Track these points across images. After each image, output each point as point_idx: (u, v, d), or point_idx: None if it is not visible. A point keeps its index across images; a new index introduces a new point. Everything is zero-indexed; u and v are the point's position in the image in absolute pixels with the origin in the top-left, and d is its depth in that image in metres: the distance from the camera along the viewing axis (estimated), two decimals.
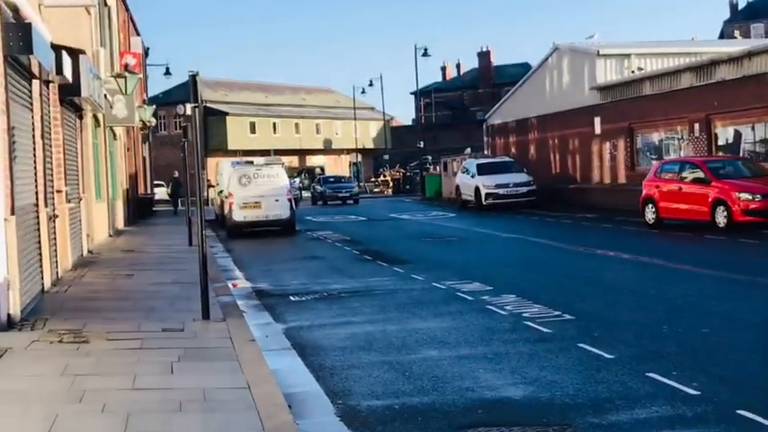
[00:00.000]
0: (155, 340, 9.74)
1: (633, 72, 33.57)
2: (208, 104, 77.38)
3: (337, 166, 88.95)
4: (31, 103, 12.75)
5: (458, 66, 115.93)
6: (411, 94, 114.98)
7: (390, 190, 66.14)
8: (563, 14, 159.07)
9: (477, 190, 35.22)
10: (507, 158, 38.10)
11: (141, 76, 26.40)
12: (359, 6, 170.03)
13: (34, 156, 12.89)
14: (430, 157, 67.35)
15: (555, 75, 38.38)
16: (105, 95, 23.51)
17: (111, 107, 25.01)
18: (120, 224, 30.33)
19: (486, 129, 47.21)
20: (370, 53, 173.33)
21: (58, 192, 15.40)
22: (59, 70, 13.61)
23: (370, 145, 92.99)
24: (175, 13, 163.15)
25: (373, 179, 75.26)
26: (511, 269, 16.00)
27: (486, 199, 34.61)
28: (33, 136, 12.87)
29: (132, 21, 40.66)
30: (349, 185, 51.57)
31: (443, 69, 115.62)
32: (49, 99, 14.54)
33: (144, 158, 45.37)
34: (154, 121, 41.12)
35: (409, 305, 12.06)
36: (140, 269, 16.96)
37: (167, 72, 51.78)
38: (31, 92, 12.76)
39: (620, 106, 32.44)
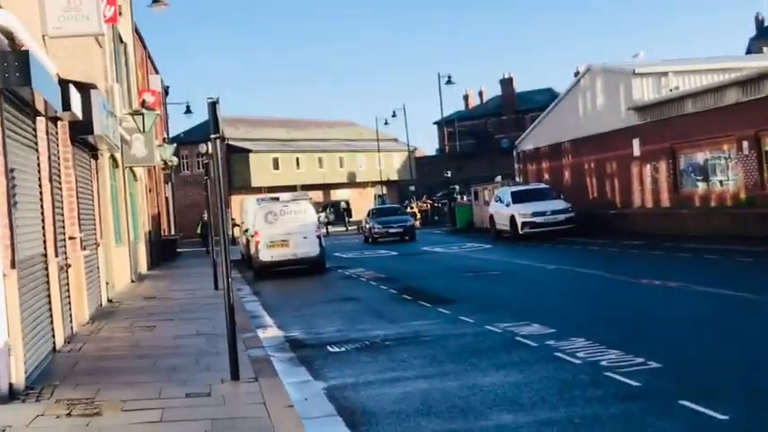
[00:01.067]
0: (177, 410, 8.37)
1: (671, 90, 32.13)
2: (230, 142, 76.61)
3: (362, 200, 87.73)
4: (36, 143, 11.52)
5: (480, 94, 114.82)
6: (434, 123, 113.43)
7: (418, 222, 64.75)
8: (585, 40, 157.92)
9: (512, 219, 33.74)
10: (542, 185, 36.63)
11: (160, 112, 25.27)
12: (376, 38, 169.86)
13: (41, 200, 11.63)
14: (457, 187, 66.04)
15: (588, 96, 36.99)
16: (122, 135, 22.38)
17: (129, 147, 23.89)
18: (144, 268, 29.14)
19: (517, 155, 45.79)
20: (391, 85, 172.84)
21: (71, 238, 14.14)
22: (67, 106, 12.39)
23: (394, 177, 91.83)
24: (194, 53, 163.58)
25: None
26: (569, 307, 14.53)
27: (522, 228, 33.11)
28: (39, 178, 11.62)
29: (151, 59, 39.78)
30: (402, 219, 42.04)
31: (466, 98, 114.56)
32: (57, 138, 13.32)
33: (167, 199, 44.34)
34: (176, 160, 40.08)
35: (465, 354, 10.62)
36: (162, 319, 15.64)
37: (188, 110, 50.83)
38: (35, 130, 11.52)
39: (660, 126, 30.96)
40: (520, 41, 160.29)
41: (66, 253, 13.33)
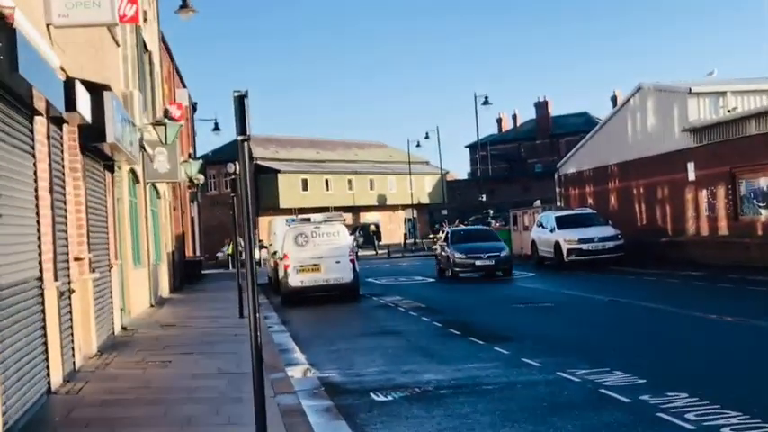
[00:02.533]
0: None
1: (729, 111, 30.07)
2: (258, 162, 75.21)
3: (392, 223, 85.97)
4: (33, 146, 9.75)
5: (514, 117, 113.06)
6: (465, 147, 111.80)
7: None
8: (619, 64, 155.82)
9: (557, 246, 31.69)
10: (589, 210, 34.57)
11: (183, 124, 23.58)
12: (408, 60, 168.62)
13: (37, 215, 9.86)
14: (491, 212, 64.04)
15: (638, 117, 34.95)
16: (144, 147, 20.69)
17: (151, 161, 22.20)
18: (165, 291, 27.40)
19: (558, 179, 43.73)
20: (422, 107, 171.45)
21: (78, 260, 12.36)
22: (71, 105, 10.64)
23: (425, 200, 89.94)
24: (224, 71, 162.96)
25: (431, 235, 71.87)
26: (649, 349, 12.50)
27: (568, 256, 31.05)
28: (36, 189, 9.85)
29: (178, 72, 38.30)
30: (495, 246, 29.82)
31: (499, 121, 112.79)
32: (62, 144, 11.56)
33: (192, 219, 42.71)
34: (202, 178, 38.44)
35: (542, 411, 8.67)
36: (180, 352, 13.80)
37: (216, 128, 49.27)
38: (32, 131, 9.76)
39: (718, 149, 28.87)
40: (554, 65, 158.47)
41: (69, 276, 11.54)
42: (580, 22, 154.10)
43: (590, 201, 39.49)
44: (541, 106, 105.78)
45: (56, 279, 10.52)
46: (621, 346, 12.75)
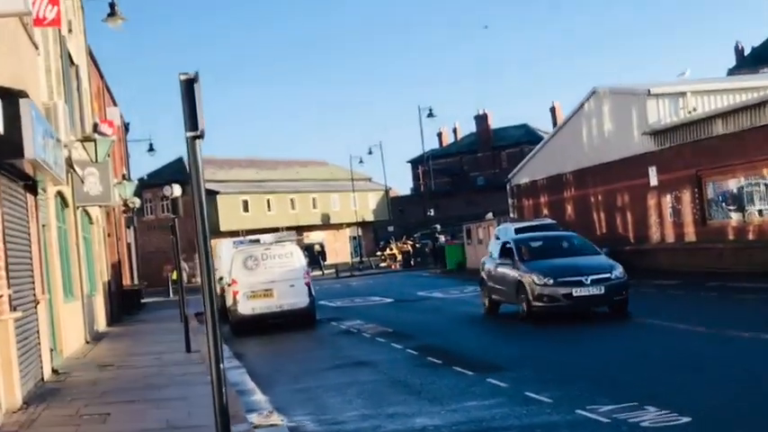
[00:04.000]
0: None
1: (690, 112, 28.98)
2: None
3: (337, 241, 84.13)
4: None
5: (454, 131, 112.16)
6: (407, 162, 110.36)
7: (398, 264, 61.29)
8: (557, 72, 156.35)
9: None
10: (548, 220, 33.15)
11: (115, 140, 21.51)
12: (341, 75, 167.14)
13: None
14: (439, 226, 62.68)
15: (594, 122, 33.78)
16: (72, 167, 18.58)
17: (81, 182, 20.09)
18: (102, 324, 25.16)
19: (511, 190, 42.42)
20: (361, 123, 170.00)
21: None
22: None
23: (369, 217, 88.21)
24: (156, 89, 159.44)
25: (378, 253, 70.17)
26: (670, 374, 10.85)
27: None
28: None
29: (109, 90, 36.04)
30: (600, 265, 17.83)
31: (439, 135, 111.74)
32: None
33: (129, 245, 40.33)
34: (137, 201, 36.14)
35: None
36: (121, 400, 11.80)
37: (151, 148, 46.98)
38: None
39: (682, 151, 27.75)
40: (492, 78, 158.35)
41: None
42: (517, 31, 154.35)
43: (545, 211, 38.23)
44: (481, 119, 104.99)
45: None
46: (635, 372, 11.12)
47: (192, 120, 5.73)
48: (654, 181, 29.57)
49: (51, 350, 14.97)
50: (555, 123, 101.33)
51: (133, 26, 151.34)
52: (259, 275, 21.40)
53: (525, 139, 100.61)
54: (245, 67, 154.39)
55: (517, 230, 31.28)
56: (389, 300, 28.42)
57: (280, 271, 21.53)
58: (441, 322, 19.78)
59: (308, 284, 21.68)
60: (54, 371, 14.91)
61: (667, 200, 29.04)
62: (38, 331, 13.71)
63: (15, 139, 10.98)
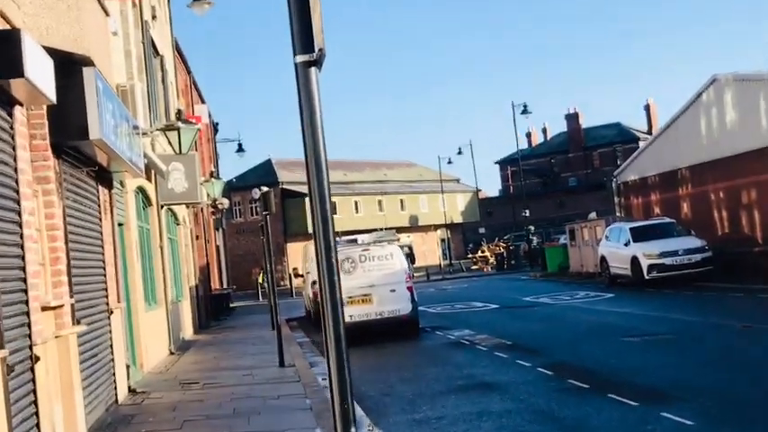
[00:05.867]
0: None
1: None
2: (284, 186, 71.58)
3: (425, 244, 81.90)
4: None
5: (544, 130, 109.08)
6: (495, 163, 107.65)
7: (489, 267, 58.88)
8: (649, 74, 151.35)
9: (634, 261, 27.50)
10: (666, 219, 30.30)
11: (200, 127, 19.72)
12: (433, 78, 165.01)
13: None
14: (532, 228, 60.07)
15: (714, 113, 30.78)
16: (155, 163, 16.78)
17: (163, 177, 18.34)
18: (189, 331, 23.52)
19: (617, 188, 39.47)
20: (449, 124, 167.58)
21: (48, 309, 8.47)
22: (14, 69, 6.74)
23: (458, 219, 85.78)
24: (245, 91, 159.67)
25: (470, 255, 67.67)
26: None
27: (649, 272, 26.84)
28: None
29: (197, 87, 34.57)
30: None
31: (528, 136, 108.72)
32: (14, 132, 7.67)
33: (218, 247, 38.83)
34: (226, 202, 34.57)
35: None
36: (206, 429, 9.84)
37: (240, 149, 45.45)
38: None
39: None
40: (582, 76, 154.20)
41: (30, 336, 7.60)
42: (608, 29, 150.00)
43: (657, 210, 35.27)
44: (572, 118, 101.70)
45: (1, 347, 6.61)
46: None
47: (303, 36, 3.63)
48: None
49: (128, 366, 13.13)
50: (649, 121, 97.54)
51: (219, 25, 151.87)
52: (357, 279, 19.38)
53: (619, 138, 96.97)
54: (331, 69, 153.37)
55: (633, 230, 28.71)
56: (494, 306, 26.08)
57: (379, 274, 19.47)
58: (563, 333, 17.38)
59: (410, 289, 19.56)
60: (131, 390, 13.09)
61: None
62: (111, 346, 11.87)
63: (77, 116, 9.12)
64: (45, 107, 8.77)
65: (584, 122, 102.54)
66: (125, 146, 11.25)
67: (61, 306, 9.00)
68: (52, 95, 7.75)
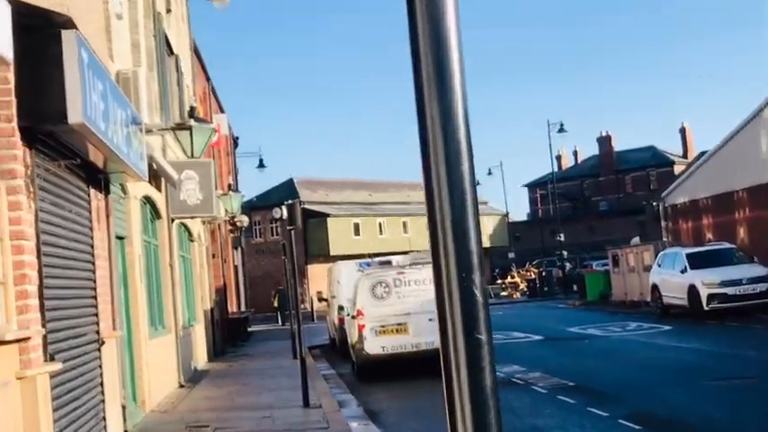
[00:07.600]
0: None
1: None
2: (306, 205, 69.56)
3: None
4: None
5: (575, 153, 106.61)
6: (523, 186, 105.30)
7: (519, 293, 56.61)
8: (684, 99, 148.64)
9: (691, 290, 25.09)
10: (726, 245, 27.84)
11: (215, 127, 17.61)
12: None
13: None
14: (566, 253, 57.73)
15: None
16: (165, 170, 14.67)
17: (174, 186, 16.22)
18: (202, 360, 21.36)
19: (664, 211, 37.13)
20: (477, 144, 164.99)
21: (5, 343, 6.34)
22: None
23: (486, 243, 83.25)
24: (267, 110, 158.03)
25: (499, 281, 65.28)
26: None
27: (709, 302, 24.42)
28: None
29: (215, 95, 32.62)
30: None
31: (558, 158, 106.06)
32: None
33: (236, 267, 36.74)
34: (245, 220, 32.55)
35: None
36: None
37: (261, 164, 43.50)
38: None
39: None
40: (613, 100, 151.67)
41: None
42: (641, 54, 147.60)
43: (708, 234, 32.93)
44: (604, 141, 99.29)
45: None
46: None
47: None
48: None
49: (123, 407, 10.96)
50: (684, 145, 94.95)
51: (242, 38, 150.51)
52: (391, 306, 17.20)
53: (653, 162, 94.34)
54: (348, 88, 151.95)
55: (690, 256, 26.31)
56: (538, 337, 23.74)
57: (416, 301, 17.24)
58: (630, 373, 15.06)
59: None
60: None
61: None
62: (101, 383, 9.71)
63: (53, 93, 7.02)
64: (12, 81, 6.70)
65: (616, 146, 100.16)
66: (121, 140, 9.14)
67: (27, 339, 6.87)
68: (6, 51, 5.63)
